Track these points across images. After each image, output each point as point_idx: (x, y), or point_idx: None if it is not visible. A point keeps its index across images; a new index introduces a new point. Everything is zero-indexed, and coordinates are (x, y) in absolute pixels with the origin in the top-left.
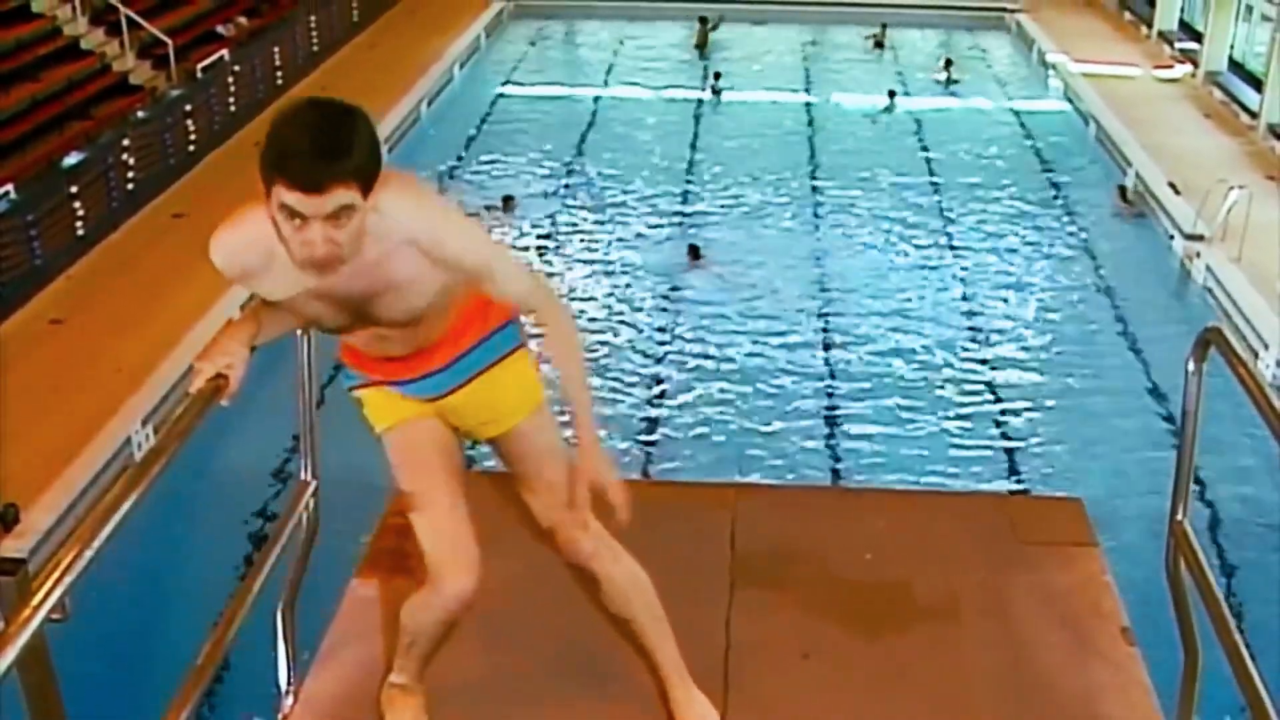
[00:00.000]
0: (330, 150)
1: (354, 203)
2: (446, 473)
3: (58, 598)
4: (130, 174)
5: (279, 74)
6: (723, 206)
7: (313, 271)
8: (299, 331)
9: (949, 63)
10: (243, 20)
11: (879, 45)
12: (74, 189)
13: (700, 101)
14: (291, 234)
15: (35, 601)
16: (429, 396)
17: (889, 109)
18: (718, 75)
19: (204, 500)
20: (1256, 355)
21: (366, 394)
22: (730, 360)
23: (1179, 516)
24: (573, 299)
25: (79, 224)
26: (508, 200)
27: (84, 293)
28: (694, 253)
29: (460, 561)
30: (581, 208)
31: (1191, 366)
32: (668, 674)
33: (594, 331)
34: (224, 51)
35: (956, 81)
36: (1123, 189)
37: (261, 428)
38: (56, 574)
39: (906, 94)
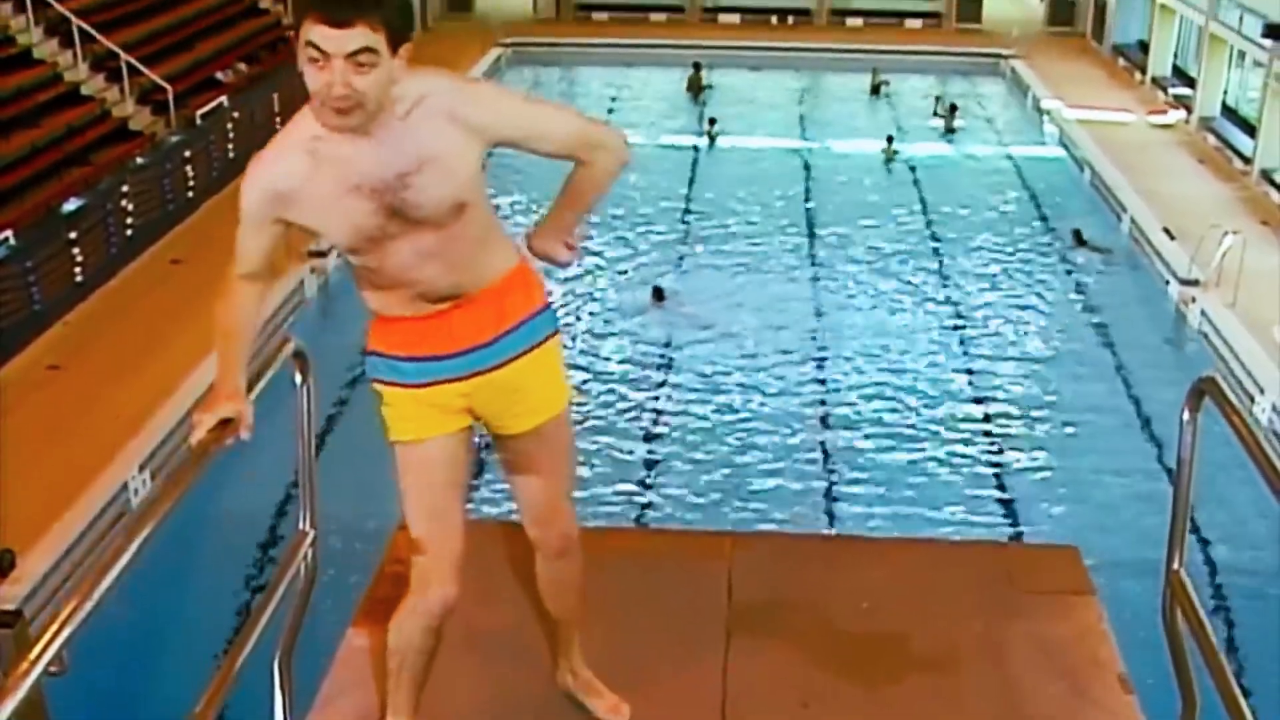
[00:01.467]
0: None
1: (377, 47)
2: (451, 491)
3: (55, 650)
4: (129, 220)
5: (278, 120)
6: (716, 250)
7: (331, 119)
8: (298, 379)
9: (954, 108)
10: (242, 66)
11: (875, 91)
12: (73, 235)
13: (696, 147)
14: (314, 76)
15: (33, 655)
16: (471, 372)
17: (888, 155)
18: (712, 121)
19: (202, 550)
20: (1253, 400)
21: (393, 394)
22: (723, 405)
23: (1175, 565)
24: (571, 337)
25: (78, 270)
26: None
27: (82, 338)
28: (657, 294)
29: (445, 566)
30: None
31: (1186, 416)
32: (585, 671)
33: (591, 375)
34: (223, 98)
35: (954, 131)
36: (1077, 232)
37: (259, 477)
38: (55, 627)
39: (903, 140)
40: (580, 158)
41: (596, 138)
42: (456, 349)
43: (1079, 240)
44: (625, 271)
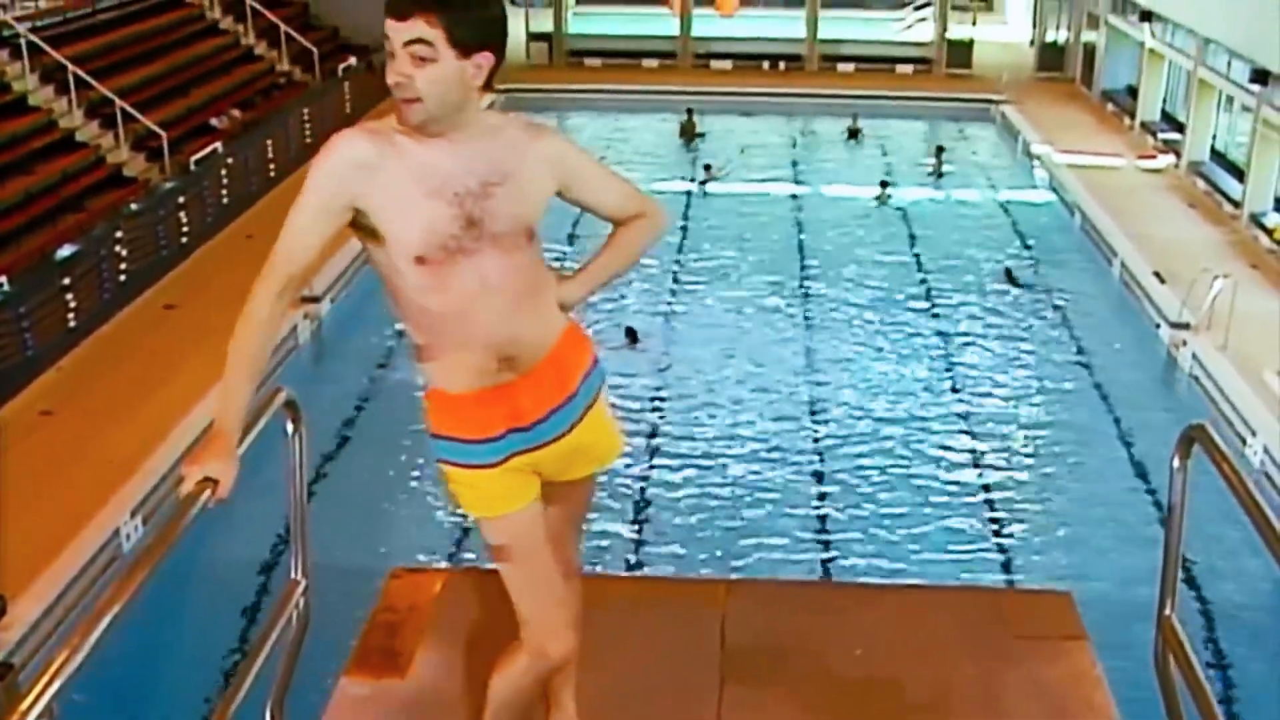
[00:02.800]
0: None
1: (432, 40)
2: (549, 548)
3: (45, 704)
4: (122, 266)
5: (271, 166)
6: (709, 294)
7: (401, 111)
8: (290, 429)
9: (940, 150)
10: (236, 113)
11: (853, 135)
12: (66, 281)
13: (689, 192)
14: (388, 70)
15: (23, 708)
16: (541, 443)
17: (883, 200)
18: (707, 166)
19: (193, 598)
20: (1244, 442)
21: (468, 475)
22: (713, 452)
23: (1167, 612)
24: None
25: (71, 316)
26: None
27: (75, 384)
28: (631, 336)
29: (567, 622)
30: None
31: (1176, 463)
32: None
33: None
34: (217, 144)
35: (943, 175)
36: (1009, 271)
37: (251, 526)
38: (45, 679)
39: (893, 185)
40: (633, 218)
41: (651, 203)
42: (524, 423)
43: (1010, 279)
44: (613, 315)
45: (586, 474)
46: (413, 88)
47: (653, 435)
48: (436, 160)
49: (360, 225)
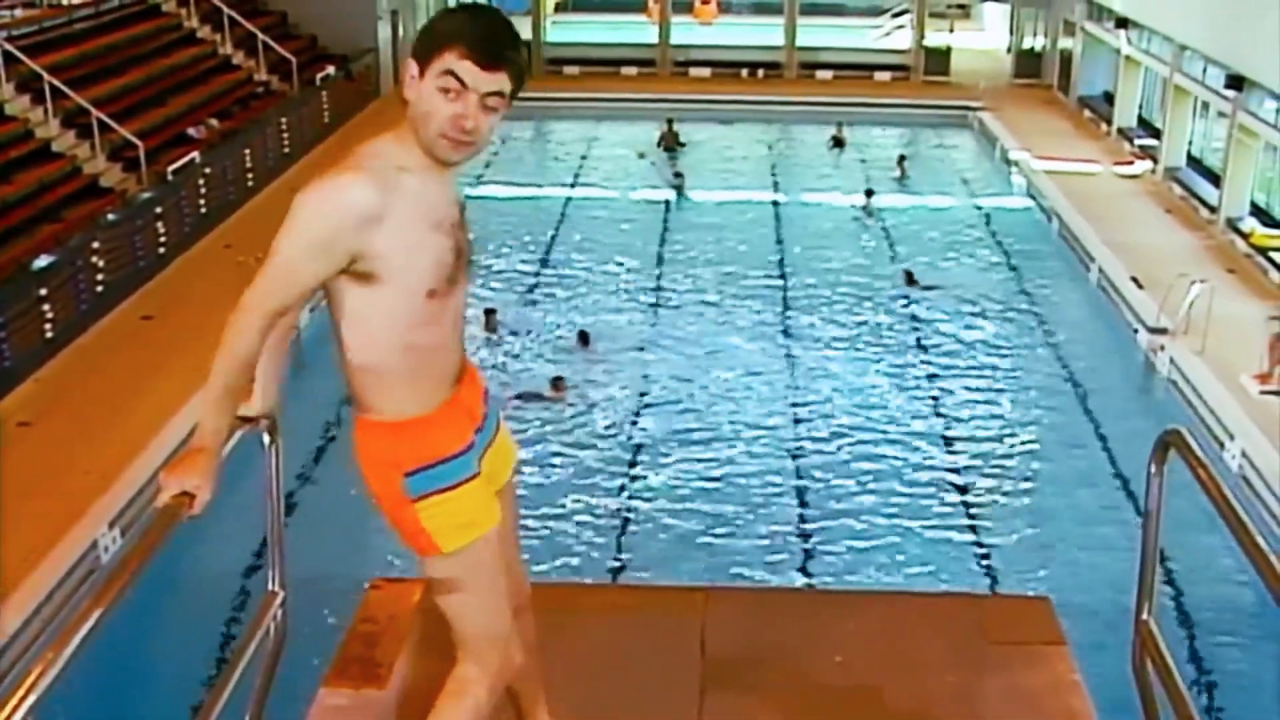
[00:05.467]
0: (512, 39)
1: (506, 93)
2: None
3: (22, 716)
4: (100, 276)
5: (249, 176)
6: (687, 300)
7: (444, 150)
8: (266, 440)
9: (902, 158)
10: (214, 122)
11: (839, 144)
12: (43, 291)
13: (667, 201)
14: (443, 105)
15: None
16: (491, 437)
17: (868, 208)
18: (679, 175)
19: (171, 610)
20: (1222, 446)
21: (459, 495)
22: (693, 454)
23: (1144, 616)
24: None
25: (48, 326)
26: (490, 314)
27: (52, 395)
28: (583, 339)
29: (513, 640)
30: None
31: (1153, 468)
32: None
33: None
34: (194, 154)
35: (906, 179)
36: (908, 273)
37: (228, 538)
38: (22, 691)
39: (877, 192)
40: None
41: None
42: (478, 420)
43: (910, 280)
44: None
45: (509, 476)
46: (478, 134)
47: (635, 444)
48: (432, 193)
49: (350, 271)
